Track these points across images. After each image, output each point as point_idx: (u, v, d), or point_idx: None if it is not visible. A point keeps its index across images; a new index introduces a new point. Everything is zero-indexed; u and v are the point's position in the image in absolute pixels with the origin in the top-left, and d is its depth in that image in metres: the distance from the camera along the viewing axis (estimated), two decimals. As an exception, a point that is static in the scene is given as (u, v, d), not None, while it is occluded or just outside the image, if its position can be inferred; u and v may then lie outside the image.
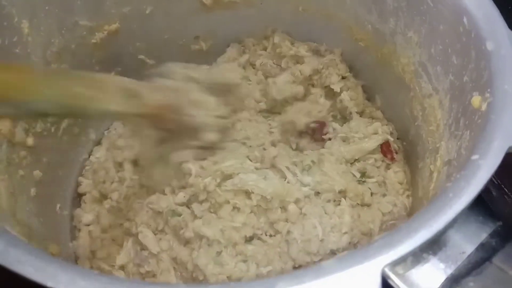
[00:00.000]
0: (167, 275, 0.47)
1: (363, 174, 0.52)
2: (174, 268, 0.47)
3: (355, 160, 0.52)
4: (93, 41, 0.53)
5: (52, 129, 0.53)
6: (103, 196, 0.54)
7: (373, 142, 0.52)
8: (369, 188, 0.51)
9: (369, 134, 0.53)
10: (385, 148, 0.53)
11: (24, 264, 0.26)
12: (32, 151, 0.48)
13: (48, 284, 0.25)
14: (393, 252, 0.26)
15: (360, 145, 0.52)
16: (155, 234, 0.49)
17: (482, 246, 0.29)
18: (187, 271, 0.45)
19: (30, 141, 0.48)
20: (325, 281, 0.25)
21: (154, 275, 0.48)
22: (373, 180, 0.52)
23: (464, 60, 0.40)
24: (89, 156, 0.59)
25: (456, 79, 0.41)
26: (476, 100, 0.36)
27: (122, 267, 0.50)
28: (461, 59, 0.40)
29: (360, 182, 0.51)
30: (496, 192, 0.42)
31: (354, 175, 0.51)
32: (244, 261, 0.42)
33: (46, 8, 0.47)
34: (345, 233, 0.44)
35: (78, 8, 0.50)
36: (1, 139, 0.44)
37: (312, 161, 0.50)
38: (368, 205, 0.49)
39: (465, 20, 0.39)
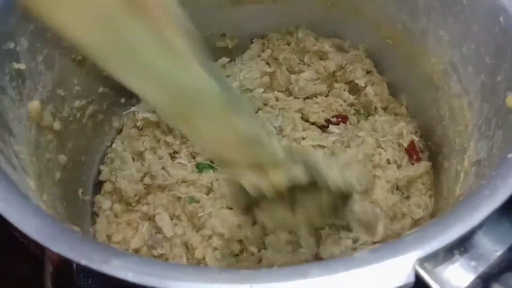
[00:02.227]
0: (179, 261, 0.47)
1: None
2: (185, 253, 0.47)
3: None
4: (122, 29, 0.54)
5: (78, 115, 0.53)
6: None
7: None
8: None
9: (395, 134, 0.52)
10: (410, 149, 0.53)
11: (60, 243, 0.26)
12: (58, 135, 0.49)
13: (82, 262, 0.25)
14: (428, 247, 0.26)
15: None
16: (171, 219, 0.49)
17: (515, 246, 0.28)
18: (193, 257, 0.46)
19: (57, 125, 0.48)
20: (358, 272, 0.25)
21: (166, 259, 0.48)
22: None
23: (498, 60, 0.39)
24: (111, 144, 0.60)
25: (488, 79, 0.41)
26: (510, 99, 0.36)
27: (136, 251, 0.50)
28: (495, 59, 0.40)
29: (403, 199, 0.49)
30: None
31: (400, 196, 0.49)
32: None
33: None
34: (376, 242, 0.43)
35: None
36: (30, 122, 0.44)
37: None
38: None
39: (501, 19, 0.38)
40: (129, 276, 0.24)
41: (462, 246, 0.29)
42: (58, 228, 0.27)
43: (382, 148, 0.51)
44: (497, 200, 0.27)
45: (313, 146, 0.52)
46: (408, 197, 0.51)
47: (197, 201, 0.50)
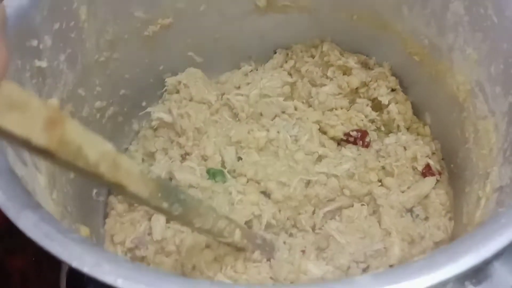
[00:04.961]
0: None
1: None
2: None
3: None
4: (146, 33, 0.54)
5: (98, 116, 0.54)
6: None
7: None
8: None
9: (409, 158, 0.51)
10: (425, 172, 0.51)
11: (53, 241, 0.26)
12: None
13: (73, 264, 0.25)
14: (434, 275, 0.24)
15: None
16: (167, 222, 0.48)
17: (532, 281, 0.26)
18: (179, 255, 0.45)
19: (75, 125, 0.49)
20: (357, 297, 0.23)
21: (148, 263, 0.47)
22: (419, 207, 0.50)
23: (527, 82, 0.37)
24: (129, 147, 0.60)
25: (517, 101, 0.39)
26: (537, 124, 0.33)
27: (130, 250, 0.49)
28: (524, 80, 0.38)
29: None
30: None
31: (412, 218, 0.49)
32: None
33: (105, -4, 0.48)
34: (392, 266, 0.42)
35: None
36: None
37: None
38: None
39: (533, 39, 0.36)
40: (119, 282, 0.24)
41: (475, 277, 0.27)
42: (55, 227, 0.27)
43: (390, 172, 0.49)
44: (514, 230, 0.25)
45: (326, 174, 0.51)
46: (426, 219, 0.49)
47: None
